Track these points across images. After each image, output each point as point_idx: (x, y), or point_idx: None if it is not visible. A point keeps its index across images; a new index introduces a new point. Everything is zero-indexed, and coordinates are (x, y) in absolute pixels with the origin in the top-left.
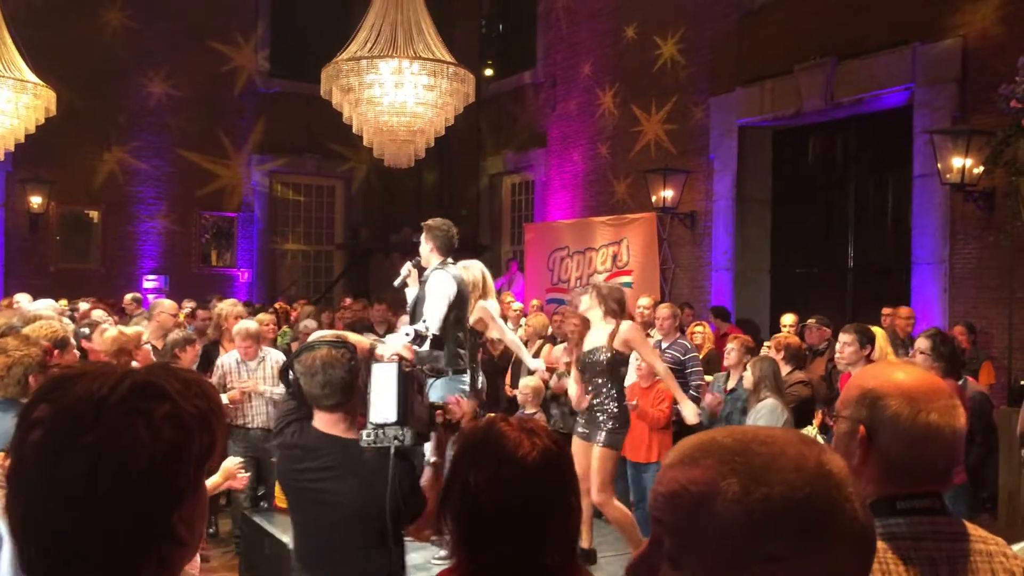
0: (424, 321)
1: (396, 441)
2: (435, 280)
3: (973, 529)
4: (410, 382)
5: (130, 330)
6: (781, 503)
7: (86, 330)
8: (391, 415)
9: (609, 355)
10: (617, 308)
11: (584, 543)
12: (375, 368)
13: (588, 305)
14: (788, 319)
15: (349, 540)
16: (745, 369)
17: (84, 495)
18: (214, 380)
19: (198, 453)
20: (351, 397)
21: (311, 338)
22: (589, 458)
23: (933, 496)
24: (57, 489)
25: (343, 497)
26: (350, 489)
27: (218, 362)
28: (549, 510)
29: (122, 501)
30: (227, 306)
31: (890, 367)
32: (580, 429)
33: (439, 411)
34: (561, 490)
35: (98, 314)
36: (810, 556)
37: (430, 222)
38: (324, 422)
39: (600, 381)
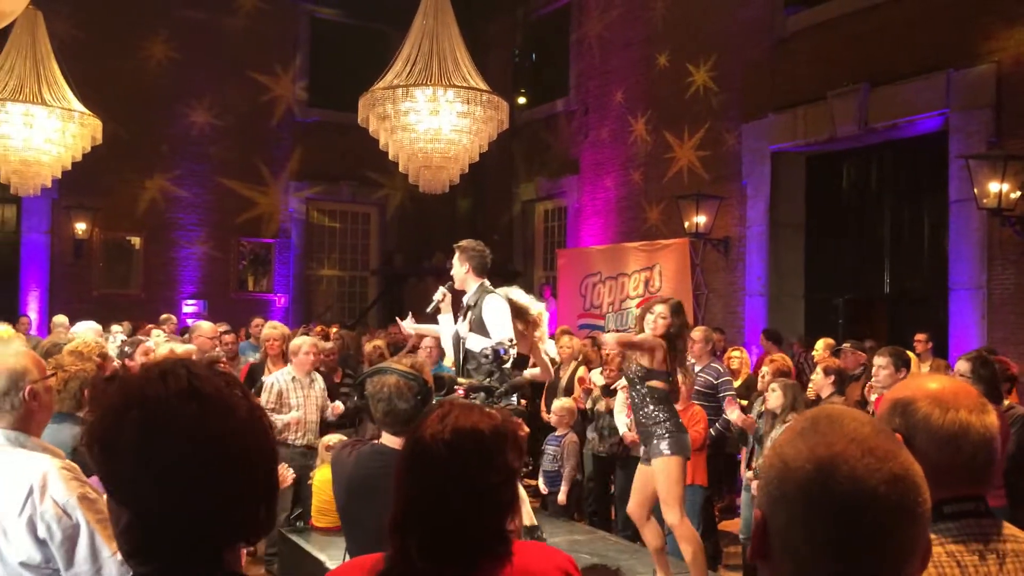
0: (502, 342)
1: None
2: (493, 303)
3: (1020, 532)
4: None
5: (181, 348)
6: None
7: (128, 348)
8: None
9: (641, 368)
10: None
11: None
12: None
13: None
14: (820, 345)
15: None
16: (772, 390)
17: (175, 477)
18: (270, 398)
19: (271, 451)
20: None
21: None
22: (652, 483)
23: (977, 499)
24: (150, 467)
25: None
26: None
27: (269, 380)
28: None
29: (215, 485)
30: (270, 328)
31: (917, 378)
32: (641, 453)
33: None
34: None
35: (156, 334)
36: None
37: (463, 243)
38: (392, 441)
39: (642, 392)
